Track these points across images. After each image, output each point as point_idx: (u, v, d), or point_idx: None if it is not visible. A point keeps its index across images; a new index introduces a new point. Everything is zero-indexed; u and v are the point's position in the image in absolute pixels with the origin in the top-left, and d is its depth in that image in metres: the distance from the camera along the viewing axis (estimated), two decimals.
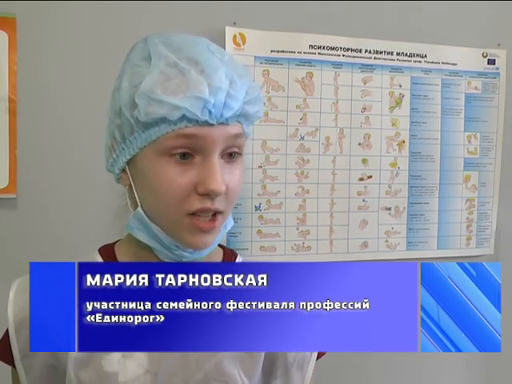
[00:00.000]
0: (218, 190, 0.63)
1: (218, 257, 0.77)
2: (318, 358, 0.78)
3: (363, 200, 1.60)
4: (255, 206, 1.51)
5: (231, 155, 0.67)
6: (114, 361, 0.68)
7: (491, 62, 1.69)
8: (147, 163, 0.65)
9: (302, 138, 1.53)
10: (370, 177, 1.61)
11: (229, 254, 0.79)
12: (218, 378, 0.70)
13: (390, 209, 1.63)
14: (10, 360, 0.71)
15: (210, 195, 0.64)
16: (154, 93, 0.62)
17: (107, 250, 0.76)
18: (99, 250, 0.76)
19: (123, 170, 0.69)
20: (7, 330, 0.71)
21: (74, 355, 0.68)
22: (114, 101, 0.68)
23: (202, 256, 0.71)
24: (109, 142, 0.70)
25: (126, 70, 0.67)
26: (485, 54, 1.68)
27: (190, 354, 0.70)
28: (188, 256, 0.69)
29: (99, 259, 0.74)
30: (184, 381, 0.70)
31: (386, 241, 1.64)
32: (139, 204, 0.68)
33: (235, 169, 0.68)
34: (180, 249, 0.69)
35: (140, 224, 0.69)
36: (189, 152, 0.64)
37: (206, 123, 0.63)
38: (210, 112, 0.62)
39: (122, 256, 0.74)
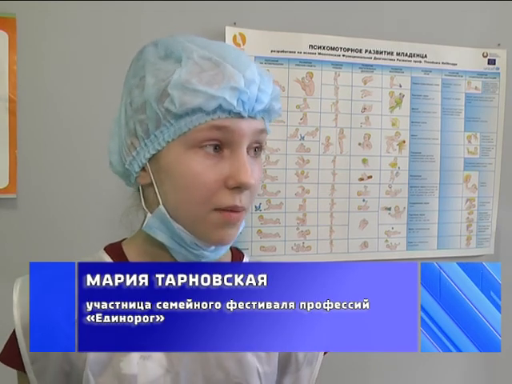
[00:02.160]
0: (248, 183, 0.63)
1: (227, 257, 0.77)
2: (324, 354, 0.79)
3: (363, 200, 1.60)
4: (255, 206, 1.51)
5: (255, 150, 0.68)
6: (132, 362, 0.67)
7: (491, 62, 1.69)
8: (174, 157, 0.65)
9: (302, 138, 1.53)
10: (370, 177, 1.61)
11: (236, 253, 0.79)
12: (239, 376, 0.70)
13: (389, 209, 1.63)
14: (19, 365, 0.69)
15: (240, 188, 0.64)
16: (190, 82, 0.62)
17: (115, 249, 0.75)
18: (105, 249, 0.75)
19: (142, 169, 0.68)
20: (14, 334, 0.69)
21: (92, 359, 0.66)
22: (133, 98, 0.67)
23: (220, 255, 0.71)
24: (127, 141, 0.68)
25: (144, 67, 0.66)
26: (485, 54, 1.68)
27: (209, 353, 0.69)
28: (208, 255, 0.69)
29: (107, 258, 0.73)
30: (205, 380, 0.69)
31: (386, 241, 1.64)
32: (161, 202, 0.67)
33: (257, 165, 0.68)
34: (201, 248, 0.68)
35: (161, 223, 0.68)
36: (218, 145, 0.64)
37: (239, 115, 0.63)
38: (243, 103, 0.63)
39: (133, 255, 0.73)
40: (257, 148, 0.68)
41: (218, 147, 0.64)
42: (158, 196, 0.67)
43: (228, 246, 0.71)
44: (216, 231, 0.66)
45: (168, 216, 0.67)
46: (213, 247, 0.69)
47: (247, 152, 0.66)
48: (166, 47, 0.66)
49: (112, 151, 0.72)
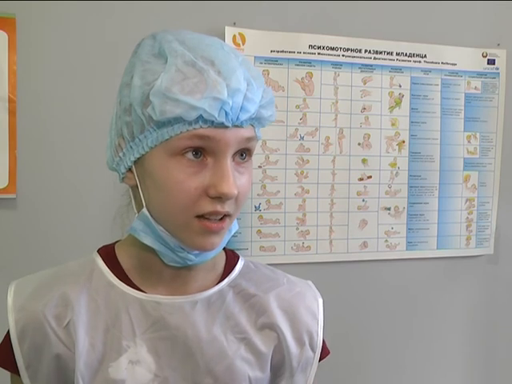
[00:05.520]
0: (230, 194, 0.62)
1: (221, 259, 0.76)
2: (319, 361, 0.77)
3: (363, 200, 1.60)
4: (255, 206, 1.51)
5: (242, 156, 0.66)
6: (121, 367, 0.66)
7: (491, 62, 1.69)
8: (157, 163, 0.64)
9: (302, 138, 1.53)
10: (369, 177, 1.61)
11: (231, 255, 0.78)
12: (229, 381, 0.69)
13: (389, 209, 1.63)
14: (14, 368, 0.68)
15: (221, 198, 0.63)
16: (171, 91, 0.60)
17: (107, 252, 0.74)
18: (99, 252, 0.75)
19: (129, 170, 0.68)
20: (8, 336, 0.69)
21: (82, 363, 0.66)
22: (123, 97, 0.66)
23: (207, 259, 0.70)
24: (115, 140, 0.68)
25: (135, 66, 0.65)
26: (484, 54, 1.68)
27: (199, 358, 0.68)
28: (193, 259, 0.68)
29: (99, 261, 0.73)
30: None
31: (386, 241, 1.64)
32: (144, 205, 0.67)
33: (245, 172, 0.66)
34: (185, 251, 0.67)
35: (145, 226, 0.67)
36: (200, 151, 0.63)
37: (222, 125, 0.62)
38: (226, 114, 0.61)
39: (125, 258, 0.73)
40: (243, 153, 0.66)
41: (200, 153, 0.63)
42: (142, 199, 0.67)
43: (217, 251, 0.71)
44: (198, 238, 0.65)
45: (151, 219, 0.66)
46: (197, 251, 0.68)
47: (233, 158, 0.65)
48: (160, 43, 0.65)
49: (107, 148, 0.72)
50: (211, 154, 0.63)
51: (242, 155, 0.66)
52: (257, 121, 0.66)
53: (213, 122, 0.61)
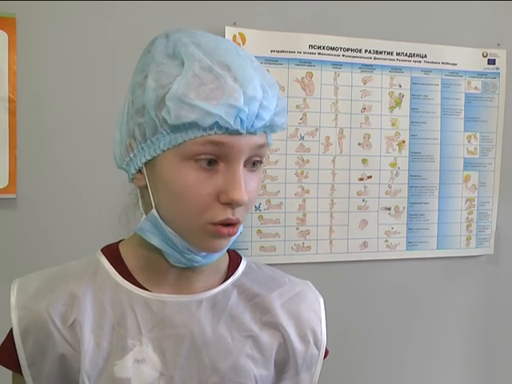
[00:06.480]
0: (241, 200, 0.62)
1: (224, 259, 0.76)
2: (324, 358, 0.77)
3: (363, 200, 1.60)
4: (255, 206, 1.51)
5: (254, 164, 0.66)
6: (126, 366, 0.66)
7: (491, 61, 1.69)
8: (169, 167, 0.63)
9: (302, 138, 1.53)
10: (369, 177, 1.61)
11: (234, 256, 0.79)
12: (235, 379, 0.69)
13: (389, 209, 1.63)
14: (16, 367, 0.68)
15: (232, 204, 0.63)
16: (187, 97, 0.60)
17: (111, 251, 0.74)
18: (102, 251, 0.74)
19: (139, 171, 0.68)
20: (11, 335, 0.69)
21: (88, 362, 0.66)
22: (135, 97, 0.65)
23: (213, 260, 0.71)
24: (126, 141, 0.67)
25: (149, 66, 0.65)
26: (485, 54, 1.68)
27: (205, 356, 0.69)
28: (200, 260, 0.69)
29: (103, 260, 0.72)
30: (200, 383, 0.68)
31: (386, 241, 1.64)
32: (154, 206, 0.67)
33: (255, 177, 0.67)
34: (193, 253, 0.68)
35: (153, 227, 0.67)
36: (214, 159, 0.63)
37: (236, 132, 0.62)
38: (241, 121, 0.61)
39: (130, 257, 0.73)
40: (256, 161, 0.66)
41: (214, 161, 0.63)
42: (152, 200, 0.67)
43: (222, 252, 0.71)
44: (208, 241, 0.66)
45: (160, 220, 0.66)
46: (204, 253, 0.69)
47: (245, 165, 0.64)
48: (175, 44, 0.65)
49: (115, 144, 0.71)
50: (224, 159, 0.63)
51: (254, 164, 0.66)
52: (270, 128, 0.67)
53: (227, 128, 0.61)
